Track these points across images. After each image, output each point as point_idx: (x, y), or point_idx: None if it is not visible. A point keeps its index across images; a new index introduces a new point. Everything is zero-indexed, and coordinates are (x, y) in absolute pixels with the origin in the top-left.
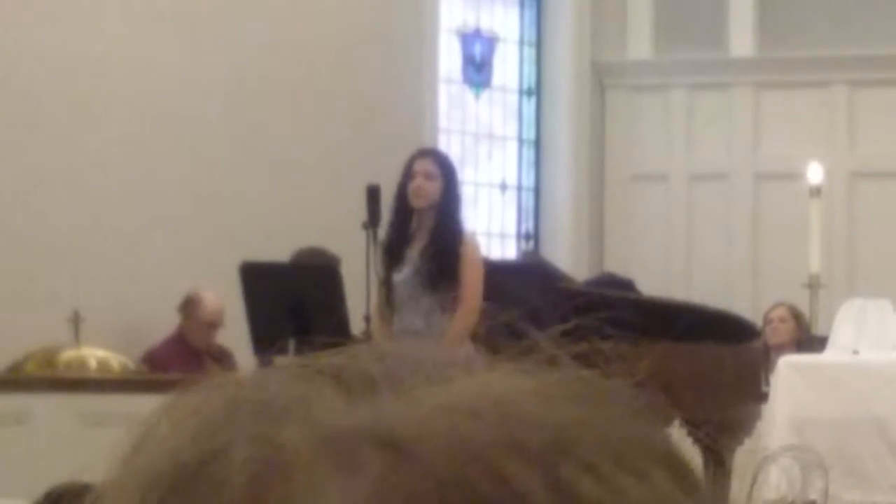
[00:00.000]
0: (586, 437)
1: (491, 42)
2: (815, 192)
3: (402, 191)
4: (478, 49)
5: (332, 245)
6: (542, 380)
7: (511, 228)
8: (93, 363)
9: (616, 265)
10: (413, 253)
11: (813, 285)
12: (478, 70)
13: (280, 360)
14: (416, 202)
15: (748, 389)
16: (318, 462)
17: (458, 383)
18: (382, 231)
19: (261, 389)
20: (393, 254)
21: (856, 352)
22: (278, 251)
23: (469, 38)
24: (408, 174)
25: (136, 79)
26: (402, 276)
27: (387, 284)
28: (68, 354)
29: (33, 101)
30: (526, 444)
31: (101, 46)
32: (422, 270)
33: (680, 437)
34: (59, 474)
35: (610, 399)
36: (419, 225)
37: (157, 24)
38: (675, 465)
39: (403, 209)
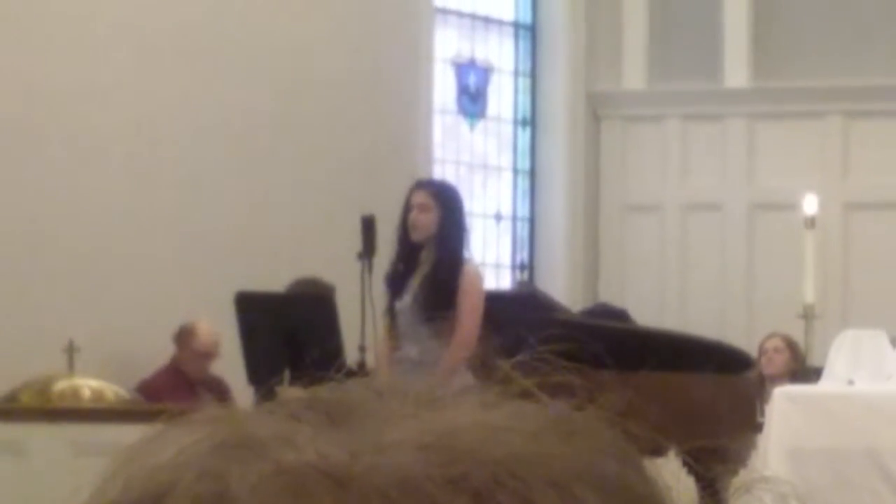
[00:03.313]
0: (524, 469)
1: (486, 72)
2: (810, 222)
3: (403, 224)
4: (472, 79)
5: (328, 275)
6: (498, 413)
7: (506, 259)
8: (87, 393)
9: (610, 295)
10: (415, 282)
11: (808, 316)
12: (472, 100)
13: (283, 392)
14: (413, 235)
15: (743, 419)
16: (266, 495)
17: (421, 418)
18: (377, 261)
19: (239, 427)
20: (395, 284)
21: (851, 382)
22: (274, 282)
23: (464, 68)
24: (406, 207)
25: (135, 110)
26: (403, 304)
27: (390, 314)
28: (62, 384)
29: (30, 130)
30: (464, 478)
31: (100, 76)
32: (419, 299)
33: (674, 466)
34: None
35: (566, 431)
36: (425, 256)
37: (154, 56)
38: (624, 496)
39: (406, 241)
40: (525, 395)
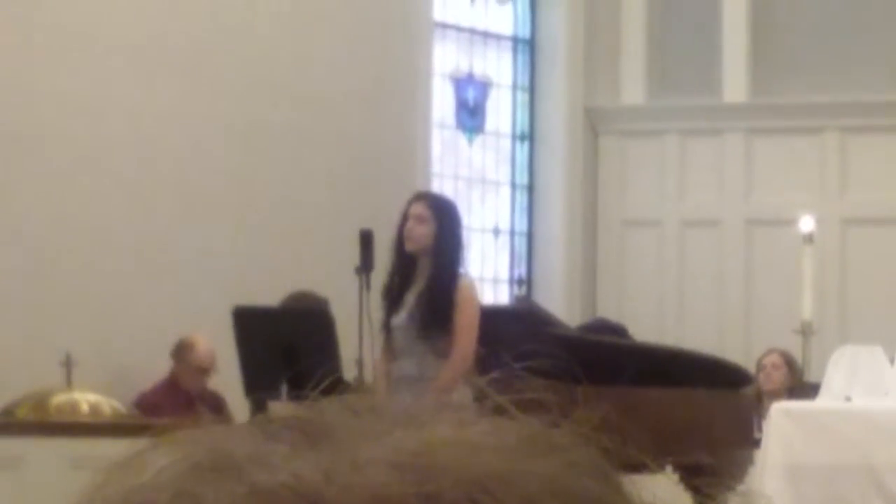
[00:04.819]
0: (499, 487)
1: (484, 87)
2: (808, 238)
3: (400, 236)
4: (471, 94)
5: (325, 290)
6: (474, 430)
7: (504, 273)
8: (84, 407)
9: (609, 310)
10: (411, 297)
11: (805, 332)
12: (471, 115)
13: (274, 406)
14: (407, 245)
15: (741, 435)
16: None
17: (396, 436)
18: (375, 276)
19: (216, 447)
20: (392, 299)
21: (848, 398)
22: (272, 296)
23: (462, 82)
24: (404, 218)
25: (131, 122)
26: (399, 320)
27: (386, 329)
28: (60, 398)
29: (26, 141)
30: (438, 496)
31: (98, 90)
32: (415, 315)
33: (672, 482)
34: None
35: (542, 448)
36: (421, 270)
37: (153, 70)
38: None
39: (402, 254)
40: (503, 411)
